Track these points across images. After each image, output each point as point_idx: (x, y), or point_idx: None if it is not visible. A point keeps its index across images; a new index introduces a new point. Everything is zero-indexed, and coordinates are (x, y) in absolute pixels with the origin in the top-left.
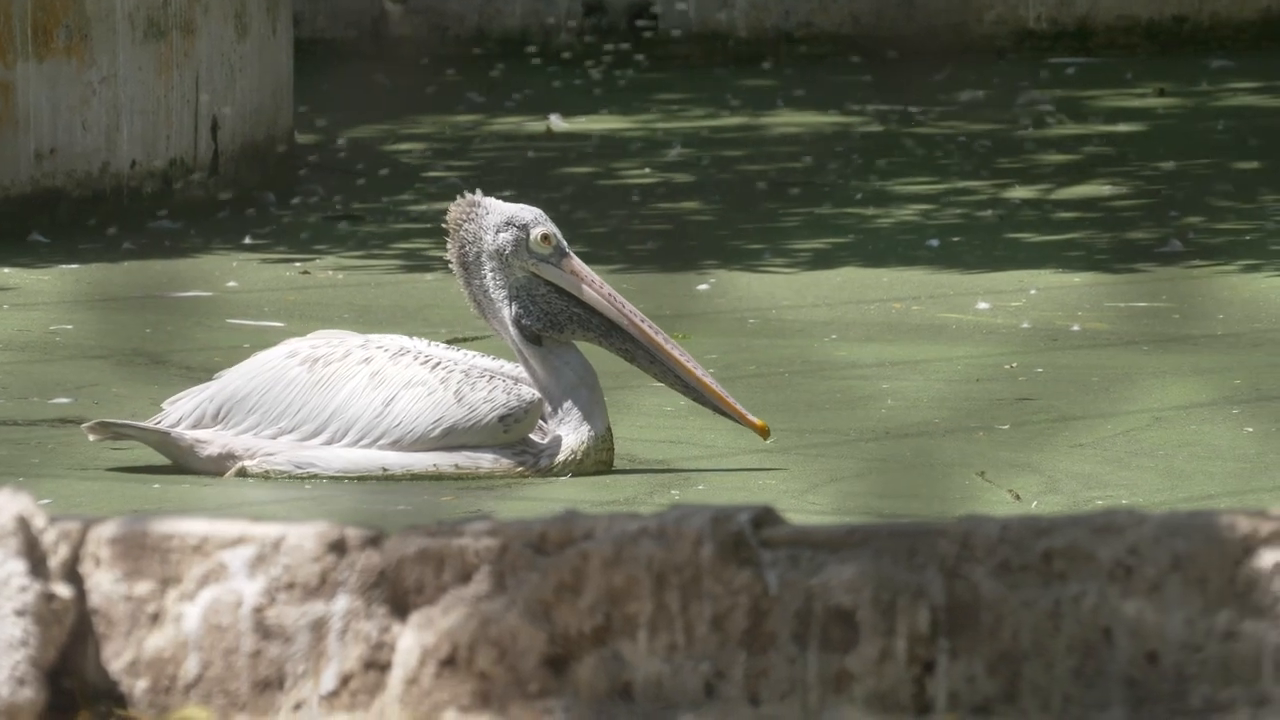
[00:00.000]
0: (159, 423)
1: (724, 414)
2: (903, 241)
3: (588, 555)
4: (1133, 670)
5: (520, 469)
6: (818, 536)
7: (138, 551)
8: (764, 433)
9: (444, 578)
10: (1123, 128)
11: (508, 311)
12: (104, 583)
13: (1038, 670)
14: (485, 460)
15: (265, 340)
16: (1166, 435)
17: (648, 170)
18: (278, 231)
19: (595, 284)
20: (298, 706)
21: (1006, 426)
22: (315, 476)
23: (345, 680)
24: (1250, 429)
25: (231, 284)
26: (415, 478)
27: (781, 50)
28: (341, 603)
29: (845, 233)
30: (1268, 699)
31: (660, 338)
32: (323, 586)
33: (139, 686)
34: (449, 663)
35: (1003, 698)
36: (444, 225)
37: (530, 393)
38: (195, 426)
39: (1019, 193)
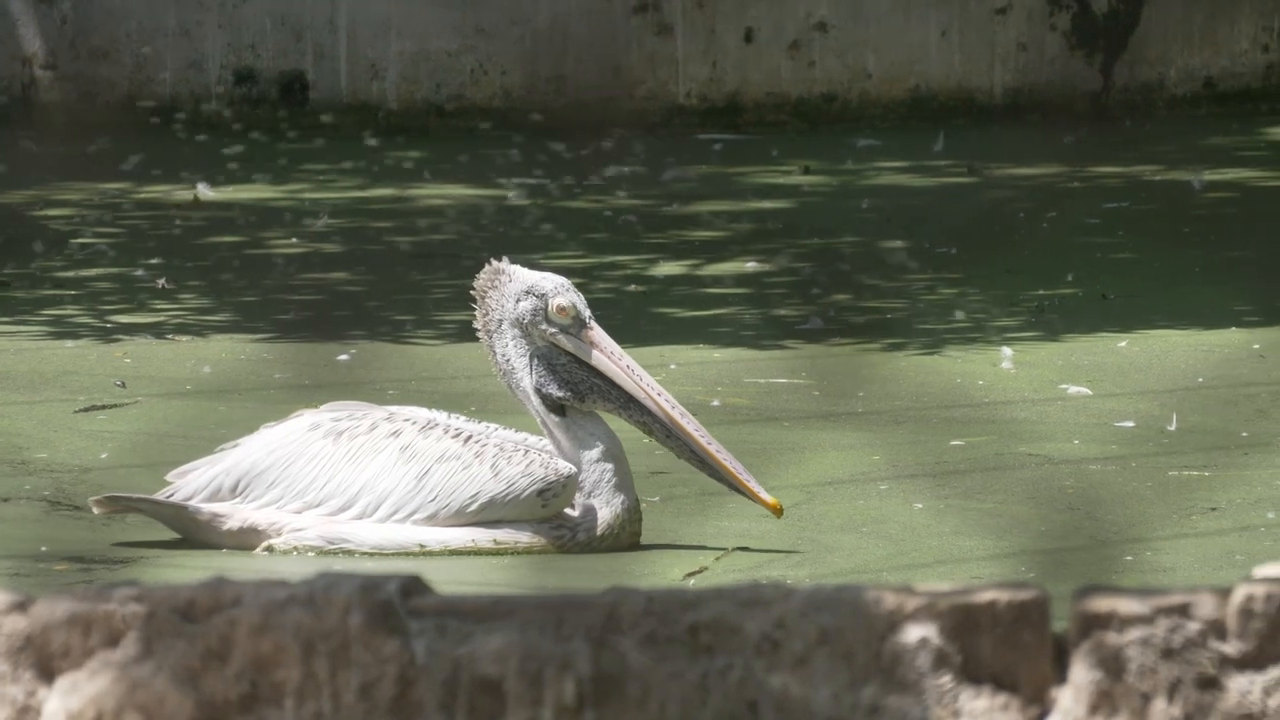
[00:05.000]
0: (170, 496)
1: (738, 490)
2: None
3: (235, 622)
4: None
5: (559, 544)
6: (465, 606)
7: None
8: (777, 511)
9: (91, 643)
10: (769, 205)
11: (529, 380)
12: None
13: None
14: (524, 536)
15: None
16: (848, 510)
17: (295, 240)
18: None
19: (614, 355)
20: None
21: (656, 499)
22: (348, 552)
23: None
24: (920, 505)
25: None
26: (453, 553)
27: (432, 122)
28: None
29: None
30: None
31: (676, 413)
32: None
33: None
34: None
35: None
36: (471, 293)
37: (567, 466)
38: (210, 500)
39: (666, 268)
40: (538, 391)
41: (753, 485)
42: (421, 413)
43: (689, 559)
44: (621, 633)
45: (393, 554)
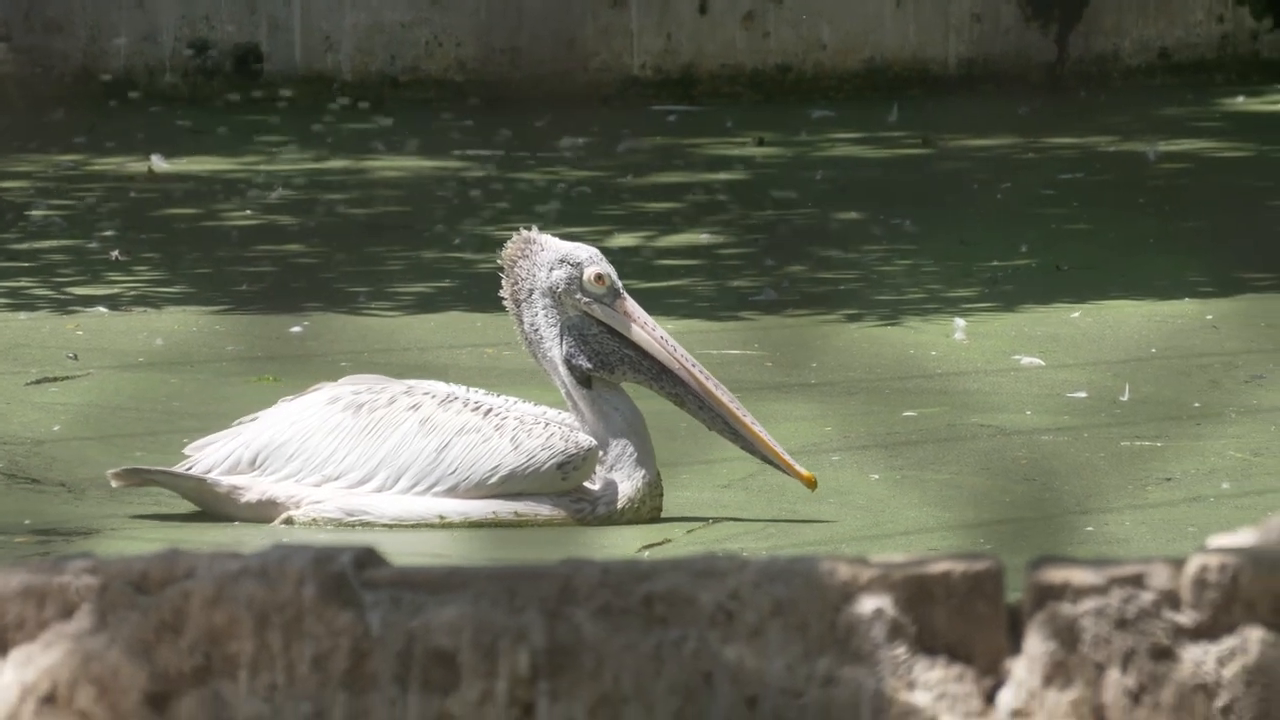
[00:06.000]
0: (189, 469)
1: (772, 463)
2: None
3: (189, 594)
4: (733, 715)
5: (579, 517)
6: (419, 578)
7: None
8: (811, 484)
9: (45, 614)
10: (723, 176)
11: (558, 350)
12: None
13: (638, 713)
14: (544, 509)
15: None
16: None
17: (249, 212)
18: None
19: (648, 326)
20: None
21: None
22: (368, 524)
23: None
24: (876, 476)
25: None
26: (473, 525)
27: (387, 94)
28: None
29: (445, 277)
30: None
31: (711, 384)
32: None
33: None
34: (49, 700)
35: None
36: (499, 262)
37: (587, 439)
38: (229, 473)
39: (620, 240)
40: (567, 362)
41: (787, 458)
42: (441, 386)
43: (650, 532)
44: (576, 604)
45: (412, 526)
